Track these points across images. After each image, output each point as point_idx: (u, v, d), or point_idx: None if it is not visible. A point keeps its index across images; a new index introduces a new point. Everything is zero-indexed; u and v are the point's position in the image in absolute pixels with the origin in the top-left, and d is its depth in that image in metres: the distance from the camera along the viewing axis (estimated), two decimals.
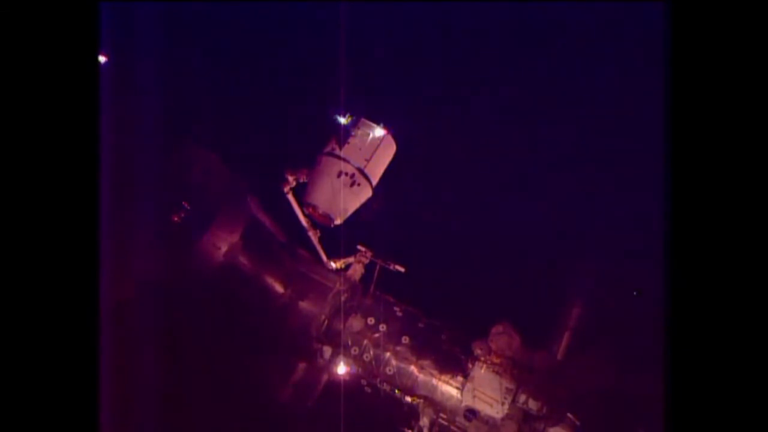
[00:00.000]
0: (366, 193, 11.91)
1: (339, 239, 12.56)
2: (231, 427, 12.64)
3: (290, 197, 12.19)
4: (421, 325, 12.65)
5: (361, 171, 11.60)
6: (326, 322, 12.58)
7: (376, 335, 12.41)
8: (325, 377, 12.81)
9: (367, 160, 11.61)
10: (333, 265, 12.98)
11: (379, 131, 11.76)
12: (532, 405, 11.55)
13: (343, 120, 11.68)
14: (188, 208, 11.87)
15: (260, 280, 12.66)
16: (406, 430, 12.42)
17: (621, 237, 13.35)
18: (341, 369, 12.39)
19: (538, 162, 16.13)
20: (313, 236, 12.54)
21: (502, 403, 11.57)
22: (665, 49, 6.38)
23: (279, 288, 12.70)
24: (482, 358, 11.87)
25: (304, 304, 12.65)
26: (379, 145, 11.73)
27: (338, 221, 12.01)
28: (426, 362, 12.25)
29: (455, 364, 12.18)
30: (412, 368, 12.28)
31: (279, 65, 16.62)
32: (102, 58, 10.78)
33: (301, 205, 12.18)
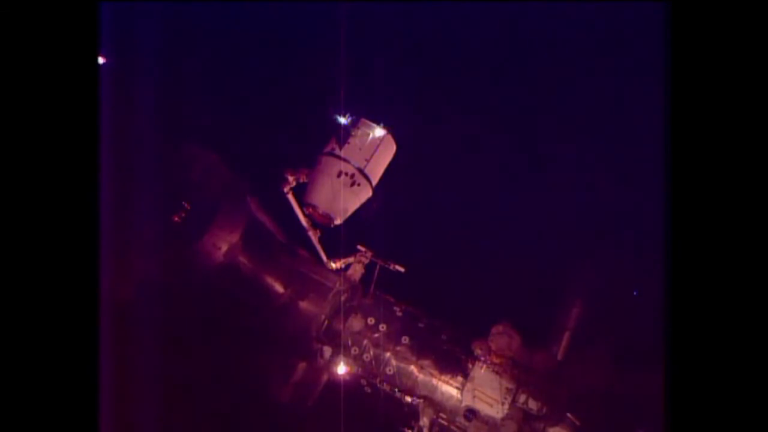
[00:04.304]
0: (366, 193, 11.90)
1: (339, 239, 12.56)
2: (231, 426, 12.64)
3: (290, 197, 12.18)
4: (421, 325, 12.64)
5: (361, 171, 11.60)
6: (326, 322, 12.56)
7: (376, 335, 12.41)
8: (325, 377, 12.79)
9: (367, 160, 11.61)
10: (333, 265, 12.96)
11: (379, 131, 11.75)
12: (532, 405, 11.54)
13: (343, 120, 11.68)
14: (188, 208, 11.87)
15: (260, 280, 12.64)
16: (406, 430, 12.40)
17: (621, 236, 13.36)
18: (341, 369, 12.38)
19: (538, 162, 16.13)
20: (313, 236, 12.53)
21: (502, 403, 11.56)
22: (665, 49, 6.38)
23: (279, 288, 12.69)
24: (482, 358, 11.87)
25: (304, 304, 12.63)
26: (379, 145, 11.72)
27: (338, 221, 12.00)
28: (426, 362, 12.24)
29: (455, 364, 12.18)
30: (412, 368, 12.28)
31: (279, 65, 16.60)
32: (101, 59, 10.77)
33: (301, 205, 12.17)
